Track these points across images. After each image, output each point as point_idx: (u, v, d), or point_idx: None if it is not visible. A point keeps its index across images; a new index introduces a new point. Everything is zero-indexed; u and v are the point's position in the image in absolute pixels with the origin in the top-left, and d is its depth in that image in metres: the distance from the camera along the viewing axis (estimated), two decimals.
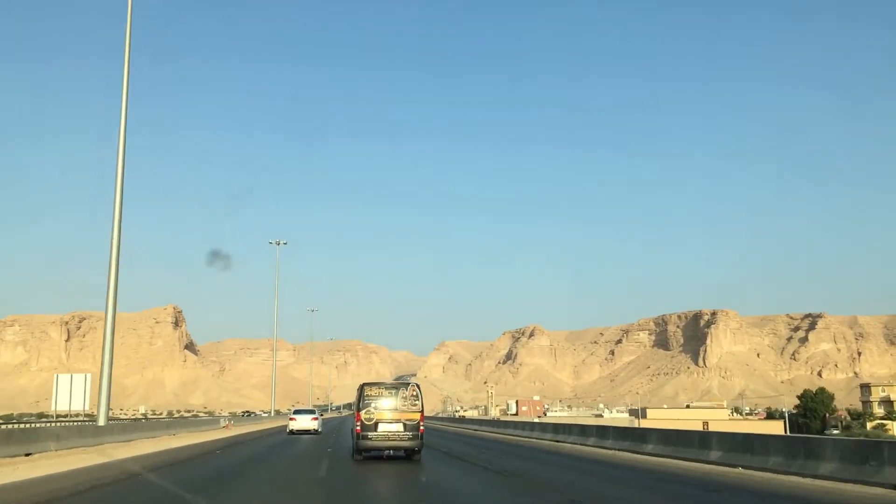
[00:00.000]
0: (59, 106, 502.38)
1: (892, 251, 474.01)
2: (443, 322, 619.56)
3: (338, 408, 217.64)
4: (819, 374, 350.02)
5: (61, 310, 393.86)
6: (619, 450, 26.77)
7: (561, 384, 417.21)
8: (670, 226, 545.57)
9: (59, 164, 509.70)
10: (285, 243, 78.15)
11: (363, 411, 19.81)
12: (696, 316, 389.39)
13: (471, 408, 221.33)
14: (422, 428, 20.11)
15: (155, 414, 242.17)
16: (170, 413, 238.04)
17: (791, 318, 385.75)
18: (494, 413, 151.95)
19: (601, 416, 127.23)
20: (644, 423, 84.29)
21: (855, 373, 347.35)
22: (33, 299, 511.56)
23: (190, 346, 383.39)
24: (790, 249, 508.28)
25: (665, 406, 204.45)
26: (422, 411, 20.34)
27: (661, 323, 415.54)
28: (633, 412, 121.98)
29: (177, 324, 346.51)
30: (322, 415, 59.05)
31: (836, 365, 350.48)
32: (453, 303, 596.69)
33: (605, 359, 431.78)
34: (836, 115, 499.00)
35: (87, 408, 30.88)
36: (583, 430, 33.72)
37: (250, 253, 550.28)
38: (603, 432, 31.07)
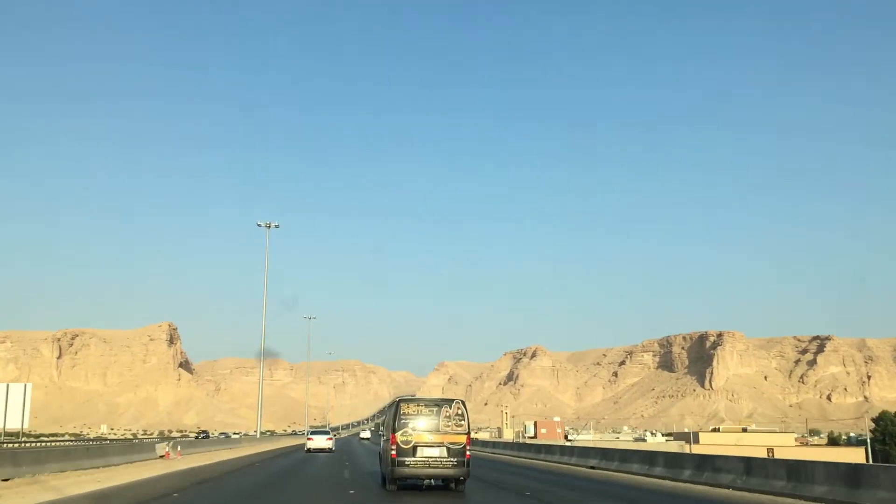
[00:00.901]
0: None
1: None
2: (442, 342, 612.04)
3: (336, 429, 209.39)
4: (828, 397, 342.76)
5: (53, 326, 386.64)
6: (721, 486, 20.34)
7: (563, 406, 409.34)
8: (674, 246, 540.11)
9: (58, 177, 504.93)
10: (277, 226, 67.91)
11: (399, 432, 17.24)
12: (702, 337, 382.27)
13: (475, 429, 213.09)
14: (468, 453, 17.45)
15: (146, 434, 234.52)
16: (161, 433, 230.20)
17: (798, 340, 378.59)
18: (509, 435, 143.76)
19: (643, 440, 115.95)
20: (696, 449, 76.11)
21: (865, 397, 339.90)
22: (25, 315, 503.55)
23: (185, 365, 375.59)
24: (796, 270, 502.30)
25: (686, 429, 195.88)
26: (468, 433, 17.78)
27: (666, 344, 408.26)
28: (680, 436, 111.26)
29: (171, 341, 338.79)
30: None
31: (845, 389, 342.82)
32: (453, 323, 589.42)
33: (609, 380, 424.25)
34: (841, 129, 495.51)
35: (25, 425, 23.96)
36: (651, 459, 27.33)
37: (248, 269, 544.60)
38: (679, 461, 24.98)
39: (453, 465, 17.14)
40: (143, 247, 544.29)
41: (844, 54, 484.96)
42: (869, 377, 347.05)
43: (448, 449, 17.10)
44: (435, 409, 17.50)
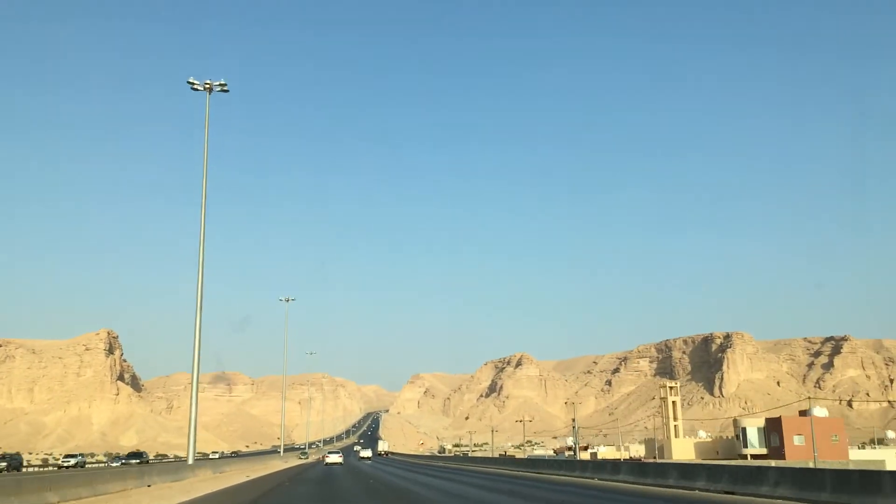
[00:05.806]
0: None
1: None
2: (416, 353, 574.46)
3: (302, 448, 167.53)
4: (849, 403, 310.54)
5: None
6: None
7: (552, 419, 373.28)
8: (667, 244, 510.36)
9: None
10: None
11: None
12: (706, 340, 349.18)
13: (533, 444, 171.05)
14: None
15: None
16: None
17: (809, 341, 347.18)
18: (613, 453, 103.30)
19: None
20: None
21: (889, 402, 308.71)
22: None
23: (131, 380, 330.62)
24: (802, 267, 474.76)
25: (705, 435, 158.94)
26: None
27: (664, 349, 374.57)
28: None
29: (111, 351, 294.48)
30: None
31: (867, 393, 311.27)
32: (427, 332, 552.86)
33: (602, 390, 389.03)
34: (851, 124, 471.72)
35: None
36: None
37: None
38: None
39: None
40: (87, 254, 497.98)
41: (851, 47, 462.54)
42: (892, 381, 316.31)
43: None
44: None
